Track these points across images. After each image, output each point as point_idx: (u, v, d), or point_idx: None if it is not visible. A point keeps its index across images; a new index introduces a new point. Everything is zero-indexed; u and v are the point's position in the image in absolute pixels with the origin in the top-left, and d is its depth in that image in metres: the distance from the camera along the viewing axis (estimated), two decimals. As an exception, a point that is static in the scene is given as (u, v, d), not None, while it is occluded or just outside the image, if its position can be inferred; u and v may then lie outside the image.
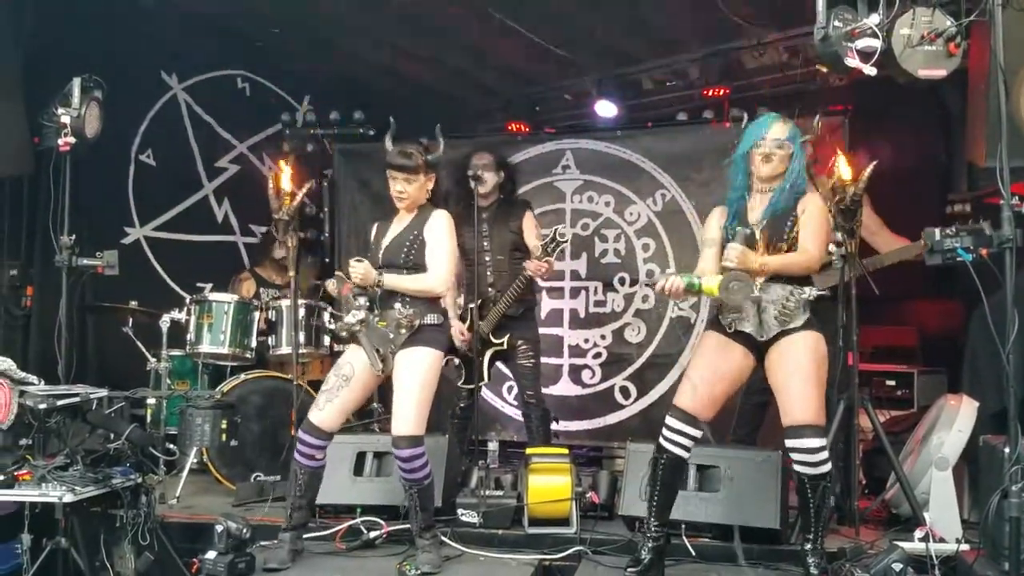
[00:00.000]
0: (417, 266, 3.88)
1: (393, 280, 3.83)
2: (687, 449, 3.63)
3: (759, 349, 3.59)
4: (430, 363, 3.82)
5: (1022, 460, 3.17)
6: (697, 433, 3.62)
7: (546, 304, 6.31)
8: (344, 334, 3.88)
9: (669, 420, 3.63)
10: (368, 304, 3.80)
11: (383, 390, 4.44)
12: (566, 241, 4.70)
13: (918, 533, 3.78)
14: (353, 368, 3.85)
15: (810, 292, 3.53)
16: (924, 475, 4.20)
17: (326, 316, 3.84)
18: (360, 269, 3.77)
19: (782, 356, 3.51)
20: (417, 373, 3.78)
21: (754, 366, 3.65)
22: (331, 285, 3.92)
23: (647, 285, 3.33)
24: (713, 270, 3.59)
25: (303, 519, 3.98)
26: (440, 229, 3.90)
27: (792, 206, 3.59)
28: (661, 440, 3.64)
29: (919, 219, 4.43)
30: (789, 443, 3.50)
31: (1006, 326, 3.17)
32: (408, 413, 3.74)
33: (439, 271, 3.87)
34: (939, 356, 6.05)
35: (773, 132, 3.61)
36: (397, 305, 3.80)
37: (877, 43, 3.21)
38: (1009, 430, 3.20)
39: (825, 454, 3.48)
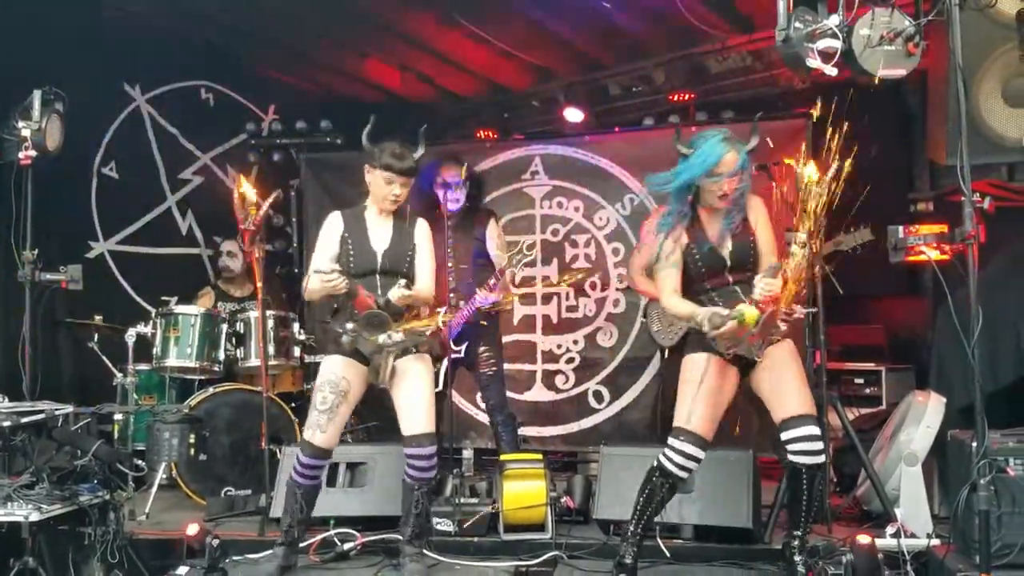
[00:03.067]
0: (411, 276, 3.93)
1: (417, 296, 3.88)
2: (690, 471, 3.60)
3: (744, 363, 3.60)
4: (430, 368, 3.94)
5: (989, 454, 3.22)
6: (703, 455, 3.57)
7: (518, 310, 6.31)
8: (369, 349, 3.83)
9: (682, 445, 3.52)
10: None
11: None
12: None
13: (890, 529, 3.83)
14: (350, 383, 3.85)
15: (799, 311, 3.56)
16: (894, 471, 4.24)
17: (349, 326, 3.76)
18: (409, 297, 3.80)
19: (771, 364, 3.55)
20: (424, 378, 3.88)
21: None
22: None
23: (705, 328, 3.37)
24: (678, 289, 3.61)
25: (300, 534, 3.97)
26: (429, 238, 4.04)
27: (744, 220, 3.61)
28: (666, 463, 3.55)
29: (882, 218, 4.49)
30: (788, 435, 3.49)
31: (970, 322, 3.22)
32: (426, 412, 3.83)
33: (431, 282, 3.99)
34: (907, 353, 6.13)
35: (726, 164, 3.50)
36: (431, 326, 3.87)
37: (837, 44, 3.25)
38: (976, 425, 3.24)
39: (822, 444, 3.54)
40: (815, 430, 3.49)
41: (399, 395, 3.87)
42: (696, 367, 3.57)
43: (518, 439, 5.12)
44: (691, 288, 3.64)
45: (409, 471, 3.84)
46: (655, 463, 3.59)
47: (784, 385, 3.53)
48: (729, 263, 3.61)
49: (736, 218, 3.61)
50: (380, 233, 3.96)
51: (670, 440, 3.56)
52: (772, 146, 4.91)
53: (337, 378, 3.84)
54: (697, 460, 3.55)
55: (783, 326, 3.53)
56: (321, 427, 3.82)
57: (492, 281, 4.59)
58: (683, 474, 3.56)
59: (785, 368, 3.55)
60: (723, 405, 3.59)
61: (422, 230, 4.01)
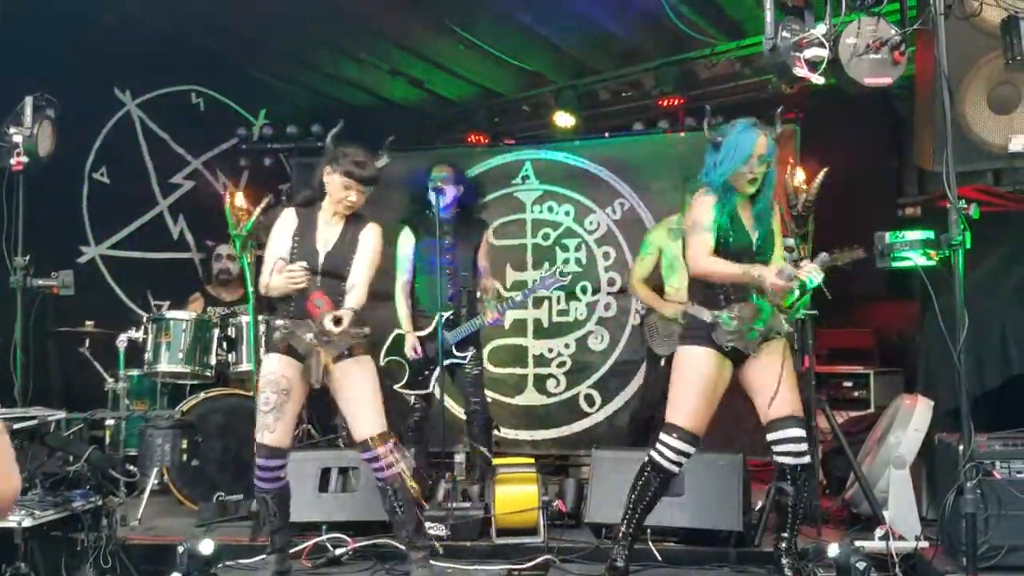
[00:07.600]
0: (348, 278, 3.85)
1: (353, 306, 3.74)
2: (682, 466, 3.63)
3: (736, 359, 3.61)
4: (373, 369, 3.89)
5: (976, 457, 3.26)
6: (694, 451, 3.60)
7: (509, 315, 6.31)
8: (302, 348, 3.84)
9: (673, 441, 3.55)
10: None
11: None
12: (565, 281, 4.98)
13: (878, 532, 3.86)
14: (290, 381, 3.80)
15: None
16: (882, 474, 4.28)
17: (279, 323, 3.76)
18: (346, 320, 3.65)
19: (764, 362, 3.57)
20: (369, 379, 3.83)
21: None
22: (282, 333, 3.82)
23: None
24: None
25: (286, 539, 3.95)
26: (372, 243, 3.86)
27: (771, 217, 3.63)
28: (659, 459, 3.57)
29: (871, 223, 4.52)
30: (774, 436, 3.54)
31: (957, 326, 3.25)
32: (375, 414, 3.79)
33: (362, 291, 3.80)
34: (895, 357, 6.17)
35: (759, 147, 3.49)
36: (367, 330, 3.80)
37: (824, 52, 3.28)
38: (962, 428, 3.28)
39: (807, 445, 3.57)
40: (800, 432, 3.53)
41: (342, 401, 3.83)
42: (692, 360, 3.57)
43: (492, 440, 5.17)
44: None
45: (373, 474, 3.83)
46: (647, 458, 3.62)
47: (773, 385, 3.55)
48: (755, 248, 3.58)
49: (767, 216, 3.61)
50: (327, 234, 3.86)
51: (663, 436, 3.57)
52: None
53: (277, 377, 3.80)
54: (688, 456, 3.58)
55: (786, 325, 3.58)
56: (269, 427, 3.77)
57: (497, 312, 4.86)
58: (676, 469, 3.60)
59: (776, 368, 3.54)
60: (716, 401, 3.59)
61: (369, 234, 3.86)
